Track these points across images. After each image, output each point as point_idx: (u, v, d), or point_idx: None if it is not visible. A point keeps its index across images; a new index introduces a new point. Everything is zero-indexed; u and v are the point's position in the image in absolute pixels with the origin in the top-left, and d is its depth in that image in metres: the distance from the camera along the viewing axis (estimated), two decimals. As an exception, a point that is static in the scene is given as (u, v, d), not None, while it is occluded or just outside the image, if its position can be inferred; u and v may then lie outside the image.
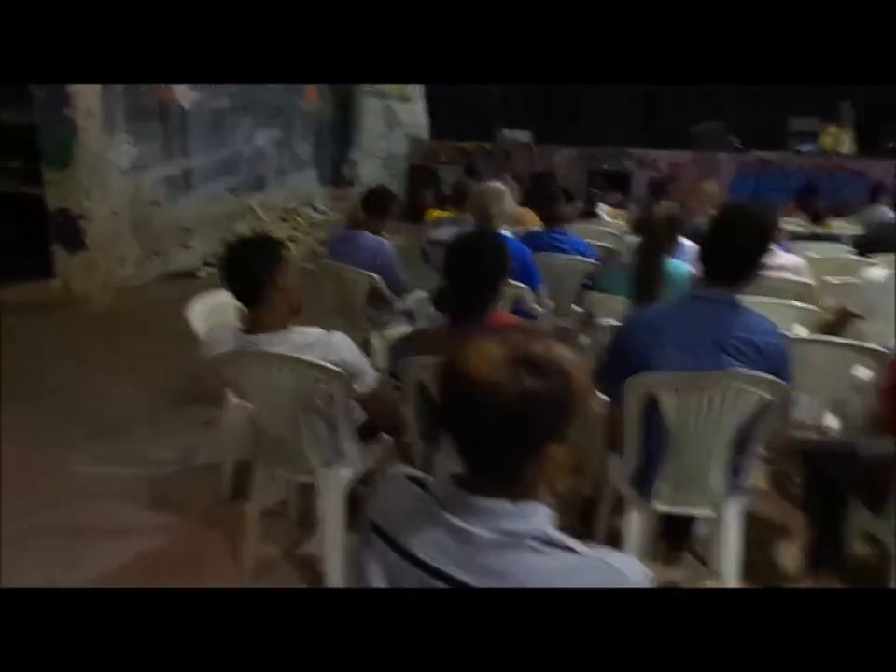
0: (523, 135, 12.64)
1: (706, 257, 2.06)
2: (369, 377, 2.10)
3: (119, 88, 6.05)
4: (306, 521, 2.69)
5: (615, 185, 10.22)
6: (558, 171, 11.55)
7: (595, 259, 4.48)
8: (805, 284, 3.93)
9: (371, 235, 3.90)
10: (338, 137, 9.60)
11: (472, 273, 1.99)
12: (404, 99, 11.46)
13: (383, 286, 3.77)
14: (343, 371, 2.04)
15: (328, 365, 2.01)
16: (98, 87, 5.73)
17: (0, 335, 4.85)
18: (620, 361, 2.07)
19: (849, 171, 10.59)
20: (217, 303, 3.01)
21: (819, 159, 10.86)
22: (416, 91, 11.90)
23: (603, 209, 6.42)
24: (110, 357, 4.69)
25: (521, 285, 3.59)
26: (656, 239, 3.19)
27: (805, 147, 11.66)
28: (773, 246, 4.07)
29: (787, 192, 10.66)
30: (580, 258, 4.31)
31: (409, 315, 4.08)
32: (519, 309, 3.71)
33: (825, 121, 11.28)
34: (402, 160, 11.52)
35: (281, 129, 8.43)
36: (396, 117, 11.12)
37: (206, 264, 7.32)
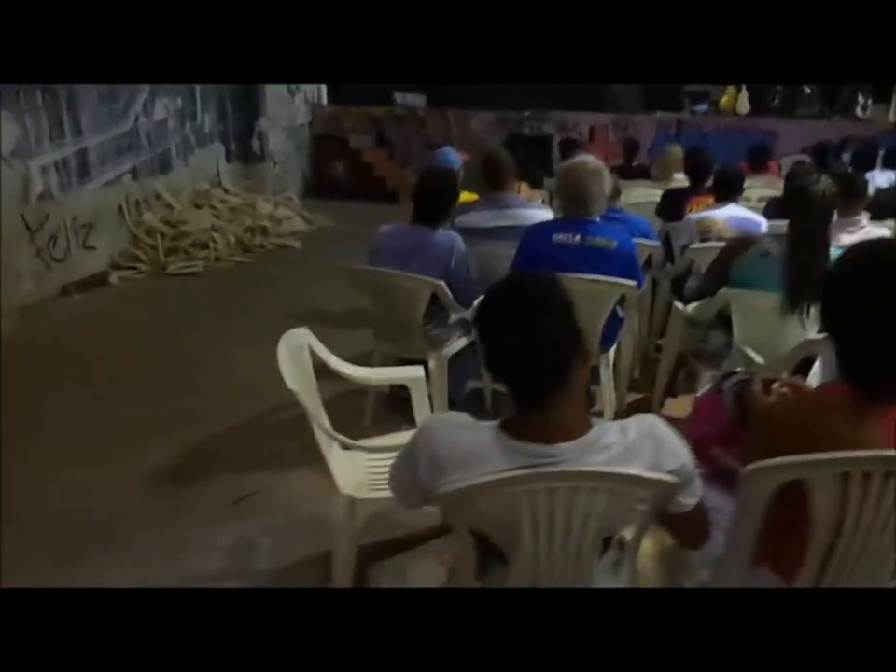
0: (417, 100, 11.81)
1: None
2: (697, 484, 1.33)
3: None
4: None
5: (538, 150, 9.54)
6: (476, 136, 10.85)
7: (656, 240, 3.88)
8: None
9: (443, 232, 3.03)
10: (241, 106, 8.30)
11: None
12: (303, 61, 10.23)
13: (448, 294, 2.94)
14: (677, 482, 1.26)
15: (670, 479, 1.23)
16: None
17: None
18: None
19: (761, 131, 10.68)
20: (297, 346, 2.08)
21: (729, 119, 10.87)
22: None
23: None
24: (41, 419, 3.50)
25: (628, 282, 2.90)
26: (823, 221, 2.60)
27: (700, 108, 11.68)
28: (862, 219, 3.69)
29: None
30: (644, 240, 3.67)
31: (464, 326, 3.27)
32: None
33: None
34: (306, 129, 10.33)
35: (182, 98, 7.08)
36: (296, 81, 9.89)
37: (115, 267, 6.00)
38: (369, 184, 9.86)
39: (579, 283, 2.86)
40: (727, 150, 10.40)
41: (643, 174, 6.91)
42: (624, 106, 10.92)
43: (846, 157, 10.64)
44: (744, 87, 11.10)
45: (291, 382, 1.81)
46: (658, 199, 5.20)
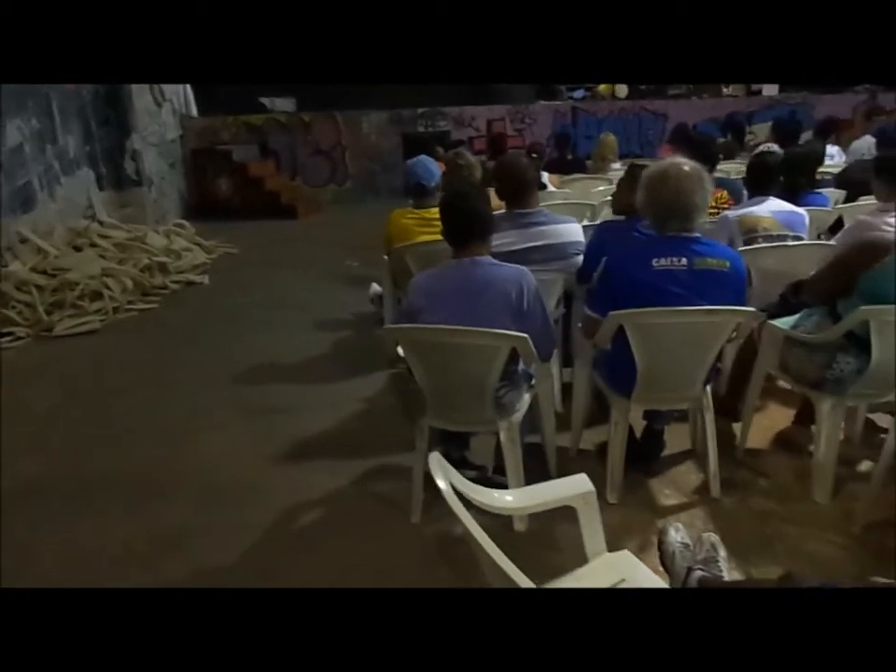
0: (286, 104, 10.94)
1: None
2: None
3: None
4: None
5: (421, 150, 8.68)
6: (368, 139, 10.08)
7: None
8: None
9: (508, 266, 2.33)
10: (107, 121, 7.06)
11: None
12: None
13: (532, 350, 2.25)
14: None
15: None
16: None
17: None
18: None
19: (651, 112, 10.69)
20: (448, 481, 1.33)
21: (623, 103, 10.80)
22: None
23: (545, 177, 5.26)
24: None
25: (747, 309, 2.36)
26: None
27: (578, 94, 11.61)
28: None
29: (568, 136, 10.40)
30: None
31: (528, 379, 2.60)
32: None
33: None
34: (177, 144, 9.11)
35: (39, 118, 5.82)
36: (162, 90, 8.67)
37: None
38: (261, 200, 8.85)
39: (693, 316, 2.29)
40: (622, 134, 10.34)
41: (578, 167, 6.50)
42: (517, 98, 10.56)
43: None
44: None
45: (514, 572, 1.07)
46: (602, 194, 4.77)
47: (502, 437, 2.44)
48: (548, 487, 1.61)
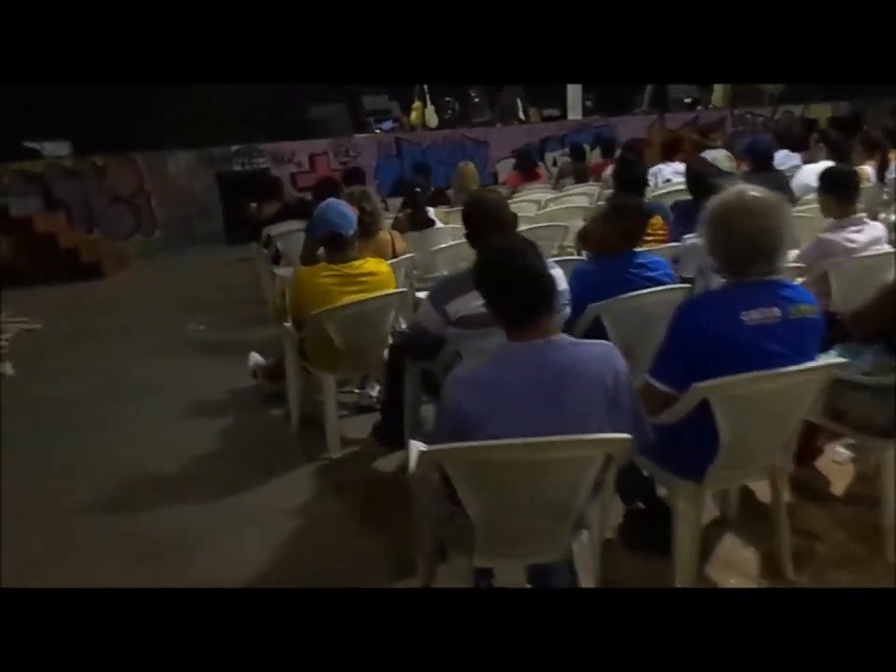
0: (59, 147, 9.44)
1: None
2: None
3: None
4: None
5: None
6: (177, 182, 8.86)
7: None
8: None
9: (593, 344, 1.72)
10: None
11: None
12: None
13: (629, 450, 1.68)
14: None
15: None
16: None
17: None
18: None
19: (473, 140, 10.63)
20: None
21: (444, 132, 10.61)
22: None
23: (431, 212, 4.70)
24: None
25: (837, 360, 1.97)
26: None
27: (385, 126, 11.34)
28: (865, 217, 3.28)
29: (428, 167, 10.06)
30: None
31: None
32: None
33: (395, 99, 11.00)
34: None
35: None
36: None
37: None
38: (56, 260, 7.32)
39: (797, 377, 1.86)
40: (449, 162, 10.10)
41: (442, 199, 6.04)
42: (334, 131, 9.93)
43: (549, 155, 11.26)
44: (429, 101, 10.92)
45: None
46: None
47: (578, 564, 1.82)
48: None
